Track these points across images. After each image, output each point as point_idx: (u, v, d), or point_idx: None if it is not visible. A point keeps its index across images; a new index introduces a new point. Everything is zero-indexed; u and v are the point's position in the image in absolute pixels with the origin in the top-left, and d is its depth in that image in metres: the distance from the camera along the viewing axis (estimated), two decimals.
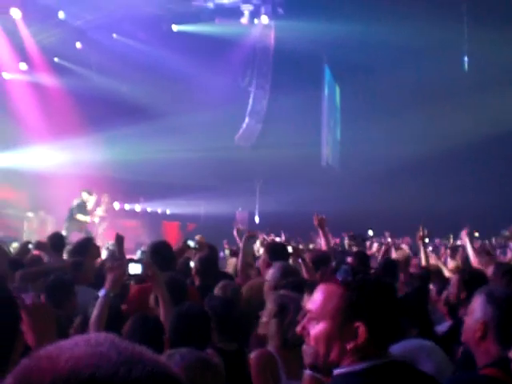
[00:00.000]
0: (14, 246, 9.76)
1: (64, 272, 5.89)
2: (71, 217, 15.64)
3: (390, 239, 14.05)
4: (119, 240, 6.64)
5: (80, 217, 15.61)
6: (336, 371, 2.21)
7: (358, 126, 23.33)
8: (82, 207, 15.76)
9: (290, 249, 6.20)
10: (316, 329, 2.25)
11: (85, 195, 15.95)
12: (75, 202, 15.79)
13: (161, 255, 5.40)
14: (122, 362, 0.93)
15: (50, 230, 13.64)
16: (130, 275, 3.99)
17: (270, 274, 4.96)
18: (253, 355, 3.51)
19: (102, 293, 3.66)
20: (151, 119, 20.06)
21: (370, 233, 16.54)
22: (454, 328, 4.33)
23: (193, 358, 2.57)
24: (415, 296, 4.76)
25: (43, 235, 10.56)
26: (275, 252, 6.05)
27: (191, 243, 7.15)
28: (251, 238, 7.90)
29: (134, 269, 3.96)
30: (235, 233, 9.46)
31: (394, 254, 8.58)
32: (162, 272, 4.28)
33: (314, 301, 2.29)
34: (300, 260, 5.93)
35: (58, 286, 4.69)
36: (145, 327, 3.43)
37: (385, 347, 2.24)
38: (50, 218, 17.96)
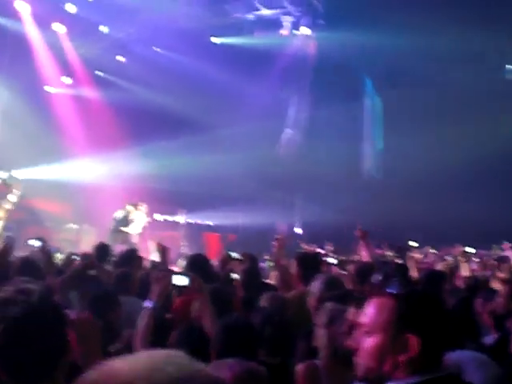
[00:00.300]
0: (59, 257, 9.85)
1: (101, 280, 5.97)
2: (116, 229, 15.80)
3: (432, 250, 13.89)
4: (163, 251, 6.68)
5: (125, 229, 15.76)
6: None
7: (400, 137, 23.03)
8: (125, 220, 15.91)
9: (333, 260, 6.15)
10: (368, 342, 2.23)
11: (130, 208, 16.10)
12: (120, 214, 15.95)
13: (199, 267, 5.40)
14: (180, 379, 0.93)
15: (93, 241, 13.77)
16: (174, 286, 4.00)
17: (315, 286, 4.93)
18: (298, 368, 3.49)
19: (147, 304, 3.68)
20: (192, 131, 20.18)
21: (413, 244, 16.34)
22: (501, 340, 4.24)
23: (241, 368, 2.56)
24: (461, 307, 4.68)
25: (87, 247, 10.68)
26: (307, 263, 6.00)
27: (234, 254, 7.14)
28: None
29: (179, 280, 3.96)
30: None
31: (438, 266, 8.47)
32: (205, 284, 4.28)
33: (366, 314, 2.28)
34: (344, 272, 5.88)
35: (102, 297, 4.72)
36: (191, 338, 3.43)
37: (438, 360, 2.19)
38: (93, 229, 18.15)
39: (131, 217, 16.12)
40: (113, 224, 16.01)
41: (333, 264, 6.19)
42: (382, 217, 20.13)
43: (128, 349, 3.66)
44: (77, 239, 17.95)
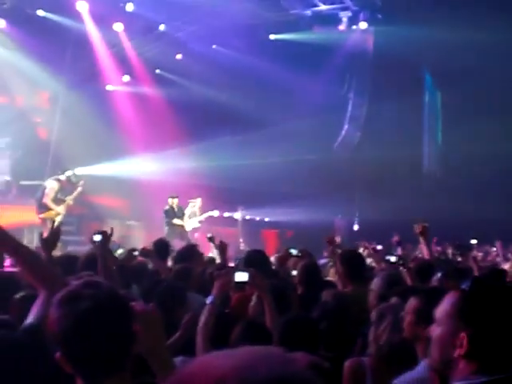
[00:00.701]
0: (119, 253, 9.98)
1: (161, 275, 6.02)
2: (168, 223, 16.03)
3: (495, 248, 13.62)
4: (222, 247, 6.71)
5: (176, 221, 15.96)
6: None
7: (461, 132, 22.61)
8: (171, 212, 16.12)
9: (394, 258, 6.07)
10: (434, 333, 2.27)
11: (170, 200, 16.33)
12: (165, 208, 16.22)
13: (257, 264, 5.40)
14: (270, 379, 0.92)
15: (152, 237, 13.94)
16: (236, 283, 4.01)
17: (375, 283, 4.90)
18: (346, 364, 3.51)
19: (209, 300, 3.70)
20: (250, 128, 20.24)
21: (474, 242, 16.05)
22: None
23: (305, 361, 2.55)
24: None
25: (146, 242, 10.80)
26: (350, 261, 5.94)
27: (293, 251, 7.13)
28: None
29: (240, 276, 3.97)
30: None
31: (506, 265, 8.28)
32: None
33: (438, 307, 2.31)
34: (405, 269, 5.80)
35: (170, 293, 4.75)
36: (254, 334, 3.43)
37: (508, 359, 2.15)
38: (151, 225, 18.39)
39: (179, 209, 16.33)
40: (165, 219, 16.28)
41: (393, 262, 6.09)
42: (443, 214, 19.81)
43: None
44: (136, 235, 18.22)
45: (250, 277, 3.93)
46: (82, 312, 1.96)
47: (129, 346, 2.06)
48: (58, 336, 1.98)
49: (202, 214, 17.71)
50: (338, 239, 10.19)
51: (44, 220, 13.94)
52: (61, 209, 13.81)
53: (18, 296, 4.09)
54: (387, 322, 3.41)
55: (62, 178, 14.03)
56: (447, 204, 20.97)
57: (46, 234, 4.39)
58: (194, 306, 4.52)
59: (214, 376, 0.92)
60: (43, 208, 13.93)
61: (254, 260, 5.64)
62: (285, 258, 7.07)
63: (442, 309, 2.26)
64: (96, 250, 5.52)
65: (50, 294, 2.22)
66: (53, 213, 13.32)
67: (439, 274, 5.67)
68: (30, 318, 2.58)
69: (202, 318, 3.62)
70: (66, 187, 14.13)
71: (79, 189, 14.28)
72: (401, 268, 5.91)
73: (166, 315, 4.12)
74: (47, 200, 13.52)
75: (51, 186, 13.81)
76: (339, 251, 6.95)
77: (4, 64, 17.61)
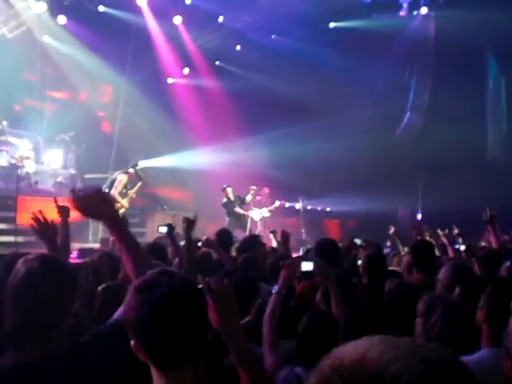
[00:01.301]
0: (182, 244, 10.06)
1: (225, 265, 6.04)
2: (229, 214, 16.11)
3: None
4: (285, 237, 6.71)
5: (237, 210, 16.05)
6: None
7: None
8: (228, 203, 16.19)
9: (462, 247, 5.96)
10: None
11: (224, 192, 16.39)
12: (223, 200, 16.29)
13: (327, 253, 5.38)
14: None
15: (214, 228, 14.02)
16: (302, 272, 4.00)
17: (442, 272, 4.81)
18: None
19: (275, 289, 3.69)
20: (311, 118, 20.17)
21: None
22: None
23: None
24: None
25: (209, 233, 10.87)
26: (421, 251, 5.84)
27: (358, 241, 7.08)
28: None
29: (306, 266, 3.96)
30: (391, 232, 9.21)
31: None
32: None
33: None
34: (473, 258, 5.69)
35: (245, 284, 4.71)
36: (321, 324, 3.42)
37: None
38: (214, 216, 18.50)
39: (237, 198, 16.38)
40: (225, 210, 16.36)
41: (461, 250, 5.99)
42: (507, 201, 19.38)
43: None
44: (197, 225, 18.34)
45: (315, 266, 3.92)
46: (158, 299, 1.98)
47: (204, 335, 2.06)
48: (134, 323, 2.00)
49: (269, 203, 17.76)
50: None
51: None
52: (125, 202, 14.01)
53: (100, 287, 4.17)
54: (438, 313, 3.30)
55: (131, 171, 14.23)
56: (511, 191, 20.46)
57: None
58: (261, 296, 4.52)
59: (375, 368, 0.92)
60: None
61: (325, 249, 5.63)
62: (349, 247, 7.03)
63: None
64: (161, 241, 5.59)
65: None
66: (118, 205, 13.50)
67: (508, 263, 5.54)
68: (116, 315, 2.61)
69: (269, 308, 3.62)
70: (134, 180, 14.34)
71: (140, 183, 14.46)
72: (469, 257, 5.81)
73: (241, 306, 4.16)
74: (115, 192, 13.72)
75: (120, 178, 14.01)
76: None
77: (66, 60, 17.97)
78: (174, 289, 2.01)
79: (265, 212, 17.62)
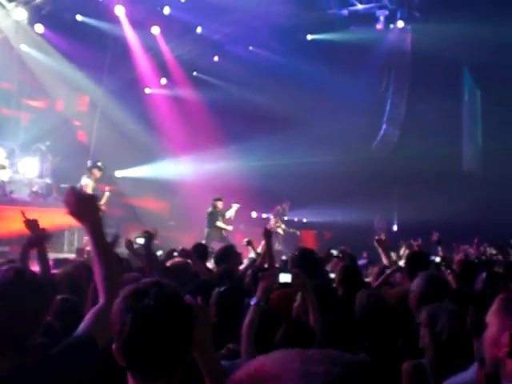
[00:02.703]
0: (159, 254, 10.04)
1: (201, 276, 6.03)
2: (211, 225, 15.99)
3: None
4: (267, 235, 6.78)
5: (220, 224, 15.94)
6: None
7: (502, 130, 22.31)
8: (215, 214, 16.07)
9: (437, 259, 6.00)
10: (486, 333, 2.27)
11: (214, 203, 16.27)
12: (209, 210, 16.18)
13: (306, 263, 5.41)
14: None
15: (191, 238, 13.99)
16: (280, 284, 4.01)
17: (416, 283, 4.83)
18: (404, 367, 3.44)
19: (253, 301, 3.69)
20: (287, 129, 20.19)
21: None
22: None
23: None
24: None
25: (185, 244, 10.85)
26: (416, 262, 5.89)
27: (334, 252, 7.11)
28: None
29: (284, 278, 3.97)
30: (375, 243, 9.24)
31: None
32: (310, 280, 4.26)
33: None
34: (448, 270, 5.74)
35: (231, 297, 4.68)
36: (298, 334, 3.42)
37: None
38: (190, 227, 18.46)
39: (220, 212, 16.26)
40: (206, 220, 16.23)
41: (437, 262, 6.05)
42: (483, 213, 19.57)
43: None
44: (174, 236, 18.30)
45: (293, 278, 3.93)
46: (142, 309, 1.98)
47: (184, 352, 2.06)
48: (116, 328, 2.00)
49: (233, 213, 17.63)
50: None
51: None
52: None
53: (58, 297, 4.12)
54: (443, 320, 3.36)
55: (94, 171, 14.14)
56: (487, 203, 20.70)
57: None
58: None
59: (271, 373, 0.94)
60: None
61: (304, 259, 5.65)
62: (326, 258, 7.05)
63: (491, 310, 2.24)
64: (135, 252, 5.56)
65: (109, 304, 2.26)
66: None
67: (484, 275, 5.60)
68: (83, 326, 2.61)
69: (247, 319, 3.61)
70: (102, 177, 14.22)
71: (107, 193, 14.34)
72: (444, 269, 5.87)
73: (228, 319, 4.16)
74: None
75: (86, 183, 13.92)
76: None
77: (43, 69, 17.86)
78: (161, 302, 2.00)
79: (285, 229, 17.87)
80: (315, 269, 5.55)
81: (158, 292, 2.02)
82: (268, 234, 6.96)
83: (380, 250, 7.64)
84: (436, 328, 3.37)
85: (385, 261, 7.47)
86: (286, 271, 4.09)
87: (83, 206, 2.79)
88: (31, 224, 4.79)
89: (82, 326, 2.60)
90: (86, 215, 2.84)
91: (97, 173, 14.33)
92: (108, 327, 2.10)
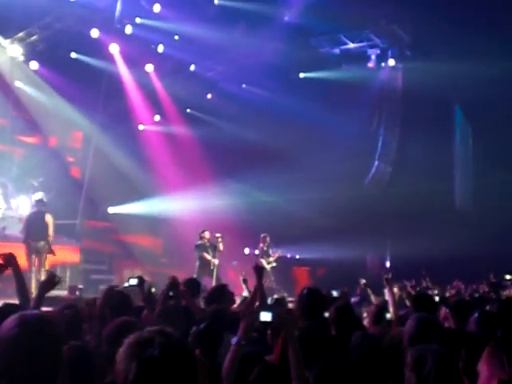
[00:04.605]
0: (153, 291, 10.00)
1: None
2: (199, 257, 15.91)
3: None
4: (258, 271, 6.75)
5: (206, 256, 15.85)
6: None
7: (494, 168, 22.43)
8: (202, 246, 16.00)
9: (436, 298, 6.00)
10: None
11: (201, 235, 16.21)
12: (197, 242, 16.12)
13: (314, 303, 5.40)
14: None
15: (184, 275, 13.94)
16: (261, 322, 3.95)
17: (408, 324, 4.81)
18: None
19: (233, 341, 3.66)
20: (280, 166, 20.25)
21: (508, 277, 15.84)
22: None
23: None
24: None
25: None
26: (422, 304, 5.88)
27: (335, 293, 7.07)
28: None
29: (265, 317, 3.91)
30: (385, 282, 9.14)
31: None
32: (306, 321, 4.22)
33: None
34: (447, 309, 5.73)
35: (211, 335, 4.68)
36: (271, 377, 3.40)
37: None
38: (183, 263, 18.40)
39: (210, 244, 16.19)
40: (195, 253, 16.14)
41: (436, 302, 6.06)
42: (476, 250, 19.56)
43: None
44: (167, 273, 18.22)
45: (274, 317, 3.86)
46: (147, 359, 1.96)
47: None
48: (121, 375, 1.98)
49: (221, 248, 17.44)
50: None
51: None
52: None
53: None
54: (429, 364, 3.28)
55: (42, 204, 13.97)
56: (479, 240, 20.69)
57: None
58: (228, 347, 4.48)
59: None
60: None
61: (311, 299, 5.63)
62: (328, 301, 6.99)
63: (482, 358, 2.26)
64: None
65: None
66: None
67: (476, 315, 5.59)
68: None
69: (227, 359, 3.59)
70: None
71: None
72: (444, 308, 5.86)
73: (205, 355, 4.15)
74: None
75: (52, 221, 13.81)
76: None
77: (37, 105, 17.95)
78: (166, 353, 1.98)
79: (271, 263, 17.65)
80: (321, 309, 5.54)
81: (163, 342, 2.00)
82: (259, 270, 6.93)
83: (387, 289, 7.65)
84: (423, 373, 3.30)
85: (389, 299, 7.44)
86: (267, 309, 4.02)
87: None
88: (9, 259, 4.72)
89: None
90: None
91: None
92: None
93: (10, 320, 2.53)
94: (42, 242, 13.20)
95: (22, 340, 2.44)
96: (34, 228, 13.36)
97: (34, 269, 12.94)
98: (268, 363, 3.91)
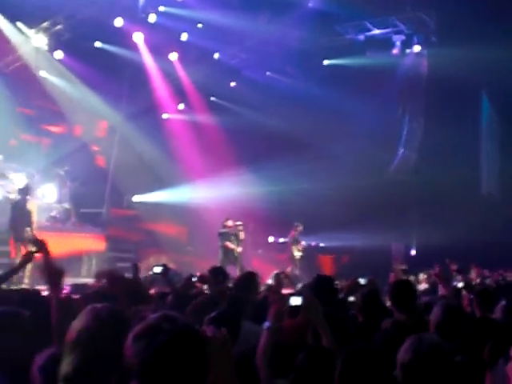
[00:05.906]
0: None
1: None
2: (222, 246, 16.01)
3: None
4: (279, 276, 6.72)
5: (229, 244, 15.94)
6: None
7: None
8: (225, 235, 16.10)
9: (460, 284, 5.94)
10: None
11: (225, 223, 16.31)
12: (221, 231, 16.22)
13: (323, 290, 5.37)
14: None
15: (208, 263, 13.97)
16: (291, 307, 3.94)
17: (434, 312, 4.77)
18: None
19: (265, 325, 3.66)
20: (304, 153, 20.19)
21: None
22: None
23: None
24: None
25: (203, 269, 10.84)
26: (400, 294, 5.82)
27: (362, 280, 7.00)
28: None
29: (295, 301, 3.91)
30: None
31: None
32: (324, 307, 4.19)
33: None
34: (471, 296, 5.67)
35: (227, 321, 4.69)
36: (318, 361, 3.38)
37: None
38: (208, 251, 18.44)
39: (235, 233, 16.27)
40: (219, 240, 16.24)
41: (460, 287, 5.98)
42: (501, 237, 19.36)
43: None
44: (192, 261, 18.30)
45: (303, 301, 3.86)
46: (158, 345, 1.99)
47: (203, 378, 2.07)
48: (137, 368, 2.01)
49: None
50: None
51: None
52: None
53: None
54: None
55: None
56: (506, 227, 20.46)
57: None
58: (247, 335, 4.46)
59: None
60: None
61: (320, 286, 5.60)
62: (353, 287, 6.92)
63: None
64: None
65: None
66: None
67: (503, 302, 5.52)
68: None
69: (260, 344, 3.59)
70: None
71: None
72: (465, 294, 5.80)
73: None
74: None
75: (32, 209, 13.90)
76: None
77: (62, 95, 18.06)
78: (176, 337, 2.02)
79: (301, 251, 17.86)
80: (332, 296, 5.50)
81: (170, 327, 2.05)
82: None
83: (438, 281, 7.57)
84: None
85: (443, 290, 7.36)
86: (297, 294, 4.03)
87: None
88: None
89: None
90: None
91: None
92: None
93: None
94: (28, 229, 13.33)
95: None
96: (19, 216, 13.47)
97: (20, 255, 13.03)
98: (315, 347, 3.88)
